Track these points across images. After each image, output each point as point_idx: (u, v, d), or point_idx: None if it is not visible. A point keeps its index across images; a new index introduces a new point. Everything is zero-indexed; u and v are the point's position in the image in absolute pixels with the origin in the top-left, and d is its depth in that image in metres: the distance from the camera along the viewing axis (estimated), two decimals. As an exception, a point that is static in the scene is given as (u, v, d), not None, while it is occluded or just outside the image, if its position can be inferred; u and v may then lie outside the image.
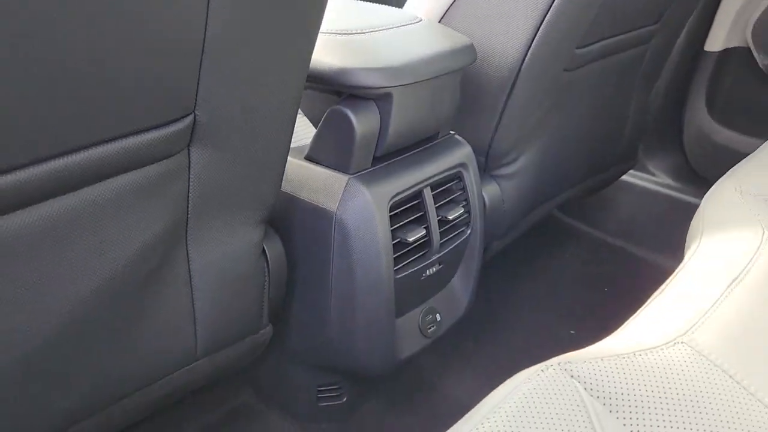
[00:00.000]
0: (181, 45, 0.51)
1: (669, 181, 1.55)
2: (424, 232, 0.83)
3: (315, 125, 0.84)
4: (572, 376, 0.50)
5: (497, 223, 1.03)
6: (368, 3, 0.93)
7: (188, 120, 0.57)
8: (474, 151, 0.91)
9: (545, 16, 0.87)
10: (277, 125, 0.65)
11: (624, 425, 0.47)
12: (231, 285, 0.70)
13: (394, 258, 0.80)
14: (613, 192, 1.56)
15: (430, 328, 0.90)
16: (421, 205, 0.84)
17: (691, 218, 0.80)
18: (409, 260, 0.84)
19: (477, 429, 0.45)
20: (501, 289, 1.29)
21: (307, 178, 0.80)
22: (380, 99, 0.75)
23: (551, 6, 0.86)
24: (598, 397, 0.49)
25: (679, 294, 0.61)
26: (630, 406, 0.48)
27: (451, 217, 0.87)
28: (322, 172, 0.79)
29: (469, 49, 0.84)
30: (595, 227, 1.49)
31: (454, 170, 0.88)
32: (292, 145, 0.70)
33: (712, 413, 0.48)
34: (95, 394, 0.63)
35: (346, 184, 0.77)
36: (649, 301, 0.62)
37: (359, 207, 0.76)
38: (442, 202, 0.87)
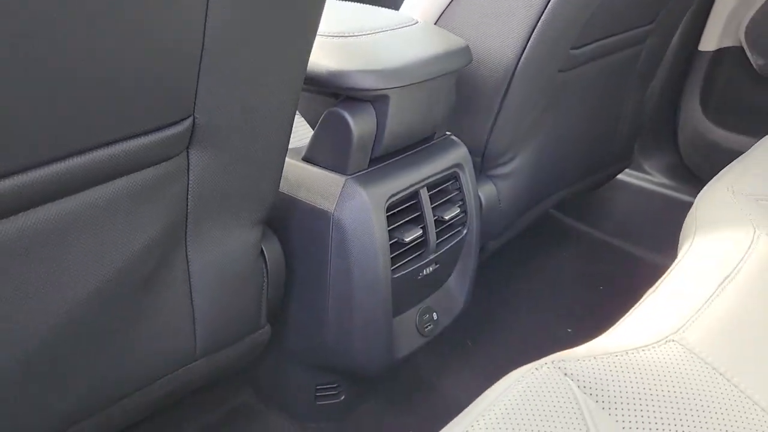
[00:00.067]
0: (180, 47, 0.52)
1: (664, 180, 1.56)
2: (420, 232, 0.84)
3: (312, 126, 0.85)
4: (566, 375, 0.50)
5: (493, 223, 1.04)
6: (365, 5, 0.94)
7: (187, 123, 0.58)
8: (470, 152, 0.92)
9: (540, 18, 0.88)
10: (275, 126, 0.65)
11: (616, 422, 0.48)
12: (230, 285, 0.71)
13: (391, 258, 0.81)
14: (608, 191, 1.57)
15: (427, 328, 0.91)
16: (417, 206, 0.85)
17: (686, 216, 0.81)
18: (406, 260, 0.85)
19: (472, 426, 0.45)
20: (498, 288, 1.29)
21: (304, 179, 0.80)
22: (377, 101, 0.76)
23: (546, 7, 0.87)
24: (591, 394, 0.49)
25: (671, 293, 0.62)
26: (622, 403, 0.49)
27: (447, 217, 0.87)
28: (320, 173, 0.80)
29: (465, 51, 0.84)
30: (591, 226, 1.50)
31: (450, 171, 0.88)
32: (289, 147, 0.70)
33: (703, 410, 0.49)
34: (95, 395, 0.63)
35: (344, 184, 0.77)
36: (641, 300, 0.62)
37: (356, 207, 0.77)
38: (438, 203, 0.88)
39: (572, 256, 1.42)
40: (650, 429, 0.48)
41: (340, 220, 0.77)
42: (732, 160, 0.90)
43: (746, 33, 1.38)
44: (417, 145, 0.87)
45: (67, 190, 0.52)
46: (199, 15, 0.51)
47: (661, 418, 0.48)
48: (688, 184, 1.50)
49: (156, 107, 0.54)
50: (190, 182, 0.62)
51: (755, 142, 0.97)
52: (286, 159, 0.73)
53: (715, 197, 0.77)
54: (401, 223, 0.83)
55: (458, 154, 0.90)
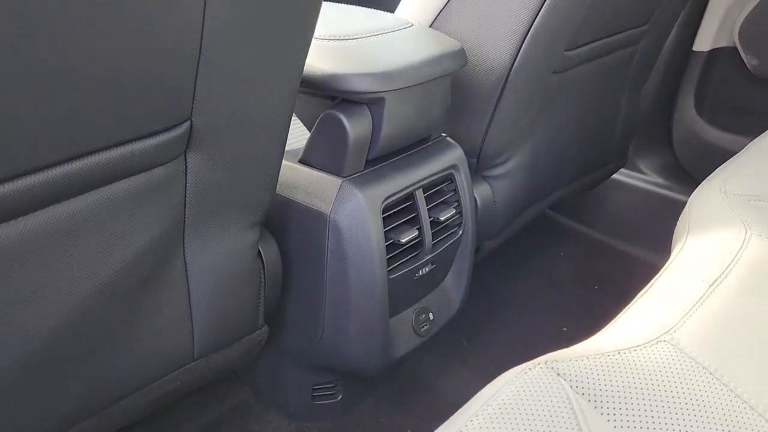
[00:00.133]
0: (177, 50, 0.52)
1: (659, 179, 1.56)
2: (416, 233, 0.85)
3: (309, 128, 0.86)
4: (558, 374, 0.51)
5: (489, 224, 1.04)
6: (360, 8, 0.94)
7: (185, 126, 0.58)
8: (465, 153, 0.92)
9: (534, 20, 0.88)
10: (272, 129, 0.66)
11: (608, 421, 0.49)
12: (227, 286, 0.71)
13: (387, 259, 0.81)
14: (604, 190, 1.58)
15: (423, 327, 0.92)
16: (413, 207, 0.85)
17: (680, 216, 0.82)
18: (402, 261, 0.85)
19: (466, 426, 0.46)
20: (494, 287, 1.30)
21: (301, 181, 0.81)
22: (372, 103, 0.76)
23: (540, 10, 0.88)
24: (583, 394, 0.50)
25: (662, 293, 0.62)
26: (614, 402, 0.50)
27: (443, 218, 0.88)
28: (316, 175, 0.80)
29: (460, 54, 0.85)
30: (586, 225, 1.51)
31: (446, 172, 0.89)
32: (286, 148, 0.71)
33: (694, 409, 0.50)
34: (94, 395, 0.64)
35: (340, 186, 0.78)
36: (634, 300, 0.63)
37: (353, 209, 0.77)
38: (434, 204, 0.88)
39: (568, 255, 1.42)
40: (642, 428, 0.48)
41: (336, 222, 0.77)
42: (726, 160, 0.91)
43: (740, 33, 1.39)
44: (413, 146, 0.88)
45: (67, 193, 0.53)
46: (196, 17, 0.51)
47: (653, 417, 0.49)
48: (683, 184, 1.51)
49: (154, 111, 0.55)
50: (187, 185, 0.62)
51: (749, 142, 0.98)
52: (283, 161, 0.74)
53: (708, 198, 0.77)
54: (397, 225, 0.83)
55: (454, 155, 0.90)
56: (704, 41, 1.45)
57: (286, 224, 0.82)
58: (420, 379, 1.08)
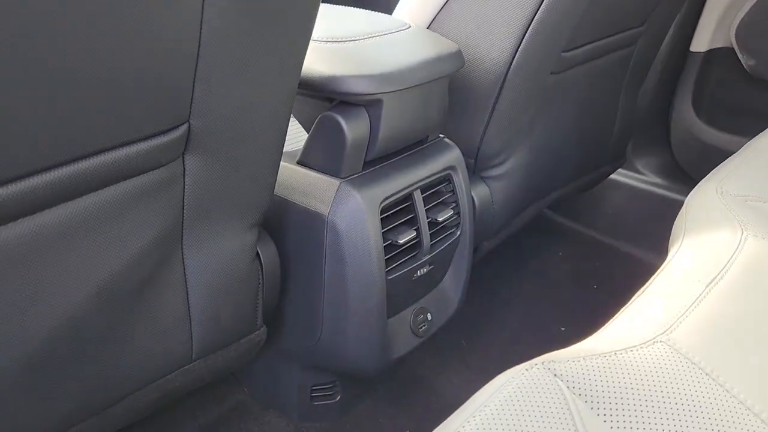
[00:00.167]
0: (175, 53, 0.52)
1: (657, 179, 1.57)
2: (414, 234, 0.85)
3: (307, 130, 0.86)
4: (555, 375, 0.51)
5: (487, 224, 1.05)
6: (358, 9, 0.94)
7: (183, 128, 0.58)
8: (463, 153, 0.93)
9: (531, 22, 0.89)
10: (270, 131, 0.66)
11: (605, 422, 0.49)
12: (226, 287, 0.71)
13: (386, 259, 0.81)
14: (602, 191, 1.58)
15: (421, 328, 0.92)
16: (411, 208, 0.85)
17: (677, 217, 0.82)
18: (400, 261, 0.85)
19: (463, 427, 0.46)
20: (492, 288, 1.30)
21: (299, 182, 0.81)
22: (370, 105, 0.77)
23: (537, 11, 0.88)
24: (580, 395, 0.50)
25: (659, 294, 0.63)
26: (611, 403, 0.50)
27: (440, 219, 0.88)
28: (314, 176, 0.80)
29: (457, 55, 0.85)
30: (584, 225, 1.51)
31: (444, 173, 0.89)
32: (284, 150, 0.71)
33: (690, 410, 0.50)
34: (94, 395, 0.64)
35: (338, 188, 0.78)
36: (631, 300, 0.63)
37: (351, 210, 0.78)
38: (431, 205, 0.89)
39: (566, 255, 1.42)
40: (638, 428, 0.49)
41: (334, 223, 0.78)
42: (724, 160, 0.91)
43: (737, 34, 1.39)
44: (410, 147, 0.88)
45: (66, 196, 0.53)
46: (195, 18, 0.52)
47: (649, 418, 0.49)
48: (681, 184, 1.52)
49: (153, 113, 0.55)
50: (186, 187, 0.62)
51: (746, 142, 0.98)
52: (281, 162, 0.74)
53: (704, 198, 0.78)
54: (395, 225, 0.83)
55: (451, 156, 0.90)
56: (701, 42, 1.45)
57: (284, 225, 0.82)
58: (419, 380, 1.08)
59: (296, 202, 0.80)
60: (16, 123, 0.46)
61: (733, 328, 0.57)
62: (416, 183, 0.85)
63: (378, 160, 0.83)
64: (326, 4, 0.93)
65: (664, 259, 0.72)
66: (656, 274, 0.67)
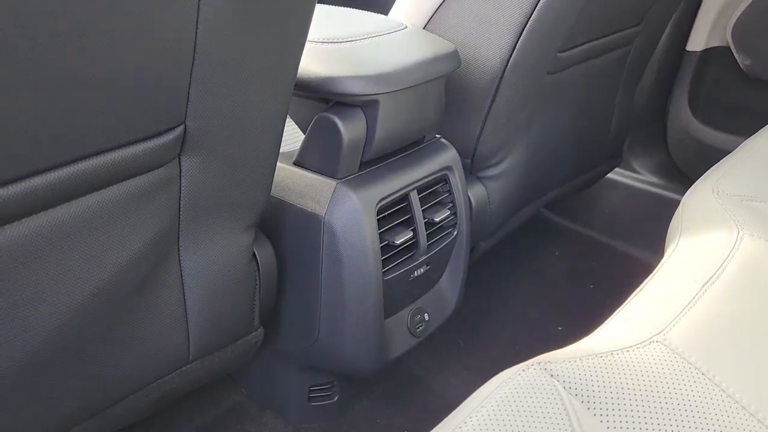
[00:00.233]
0: (175, 50, 0.52)
1: (653, 178, 1.57)
2: (411, 234, 0.85)
3: (303, 131, 0.86)
4: (552, 376, 0.51)
5: (484, 224, 1.05)
6: (354, 10, 0.94)
7: (179, 130, 0.58)
8: (460, 153, 0.93)
9: (527, 21, 0.89)
10: (266, 132, 0.66)
11: (601, 422, 0.49)
12: (222, 288, 0.71)
13: (382, 260, 0.82)
14: (598, 190, 1.58)
15: (418, 328, 0.92)
16: (408, 208, 0.85)
17: (673, 217, 0.82)
18: (397, 262, 0.85)
19: (459, 428, 0.46)
20: (490, 287, 1.30)
21: (295, 183, 0.81)
22: (367, 106, 0.77)
23: (533, 11, 0.88)
24: (576, 395, 0.50)
25: (655, 294, 0.63)
26: (607, 403, 0.50)
27: (437, 219, 0.88)
28: (311, 177, 0.80)
29: (453, 55, 0.85)
30: (581, 225, 1.51)
31: (440, 173, 0.89)
32: (280, 151, 0.71)
33: (686, 410, 0.50)
34: (95, 395, 0.64)
35: (334, 189, 0.78)
36: (627, 300, 0.64)
37: (347, 211, 0.78)
38: (428, 205, 0.89)
39: (563, 254, 1.43)
40: (634, 429, 0.49)
41: (331, 224, 0.78)
42: (720, 159, 0.91)
43: (733, 33, 1.39)
44: (407, 148, 0.88)
45: (64, 197, 0.53)
46: (190, 20, 0.52)
47: (646, 418, 0.49)
48: (677, 183, 1.52)
49: (149, 115, 0.55)
50: (182, 188, 0.63)
51: (742, 141, 0.98)
52: (278, 163, 0.74)
53: (701, 198, 0.78)
54: (392, 226, 0.84)
55: (448, 156, 0.90)
56: (697, 41, 1.45)
57: (281, 226, 0.82)
58: (416, 380, 1.08)
59: (293, 203, 0.80)
60: (16, 123, 0.46)
61: (730, 328, 0.57)
62: (413, 183, 0.85)
63: (374, 161, 0.83)
64: (322, 4, 0.93)
65: (660, 259, 0.72)
66: (652, 274, 0.67)
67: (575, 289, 1.32)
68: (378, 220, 0.80)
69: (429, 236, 0.88)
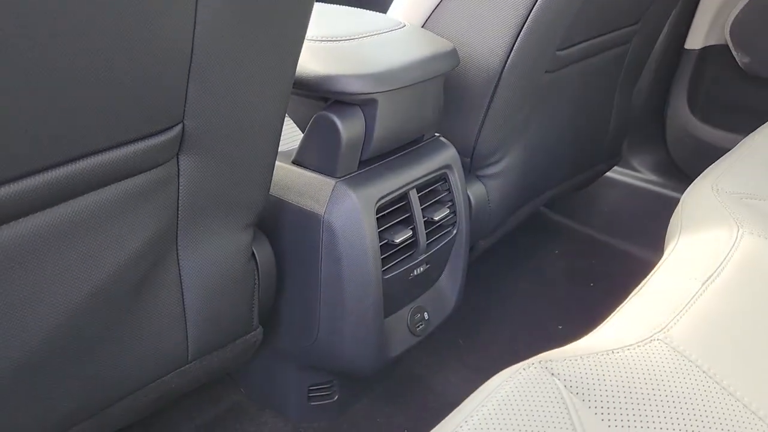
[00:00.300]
0: (171, 53, 0.52)
1: (652, 177, 1.57)
2: (410, 233, 0.85)
3: (301, 129, 0.86)
4: (552, 374, 0.51)
5: (483, 223, 1.05)
6: (353, 9, 0.94)
7: (177, 129, 0.58)
8: (459, 152, 0.93)
9: (526, 20, 0.89)
10: (264, 131, 0.66)
11: (602, 420, 0.49)
12: (221, 288, 0.71)
13: (382, 259, 0.81)
14: (597, 188, 1.58)
15: (418, 327, 0.92)
16: (407, 207, 0.85)
17: (672, 215, 0.82)
18: (397, 261, 0.85)
19: (460, 427, 0.46)
20: (489, 286, 1.30)
21: (294, 182, 0.81)
22: (365, 104, 0.77)
23: (531, 10, 0.88)
24: (577, 393, 0.50)
25: (655, 292, 0.63)
26: (608, 402, 0.50)
27: (437, 218, 0.88)
28: (310, 176, 0.80)
29: (452, 54, 0.85)
30: (580, 223, 1.51)
31: (440, 172, 0.89)
32: (279, 150, 0.71)
33: (687, 408, 0.50)
34: (93, 395, 0.64)
35: (333, 187, 0.78)
36: (627, 299, 0.63)
37: (346, 210, 0.78)
38: (428, 204, 0.89)
39: (562, 253, 1.43)
40: (636, 427, 0.48)
41: (330, 223, 0.78)
42: (719, 157, 0.91)
43: (731, 31, 1.39)
44: (406, 147, 0.88)
45: (62, 196, 0.53)
46: (188, 20, 0.52)
47: (647, 416, 0.49)
48: (676, 181, 1.52)
49: (147, 114, 0.55)
50: (180, 187, 0.62)
51: (741, 139, 0.98)
52: (276, 162, 0.74)
53: (700, 196, 0.78)
54: (391, 225, 0.83)
55: (447, 155, 0.90)
56: (696, 39, 1.45)
57: (279, 225, 0.82)
58: (416, 379, 1.08)
59: (292, 202, 0.80)
60: (16, 123, 0.46)
61: (730, 326, 0.57)
62: (412, 182, 0.85)
63: (373, 160, 0.83)
64: (320, 3, 0.93)
65: (660, 257, 0.72)
66: (652, 272, 0.67)
67: (575, 288, 1.32)
68: (377, 218, 0.80)
69: (428, 235, 0.88)
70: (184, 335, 0.70)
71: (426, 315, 0.93)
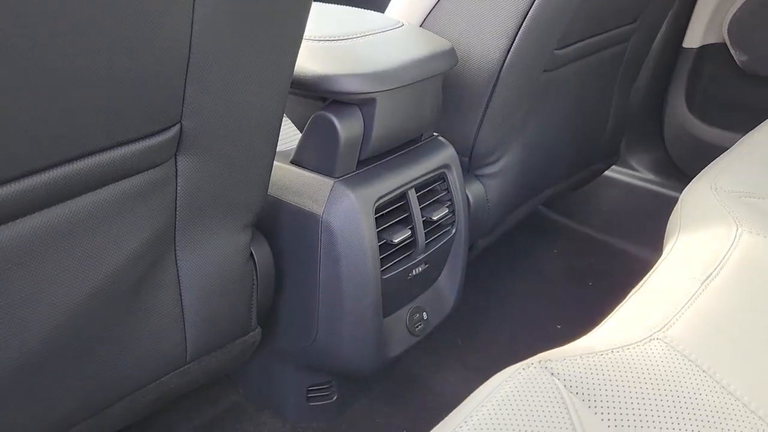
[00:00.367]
0: (169, 53, 0.52)
1: (651, 176, 1.57)
2: (409, 233, 0.85)
3: (300, 129, 0.86)
4: (552, 374, 0.51)
5: (482, 222, 1.05)
6: (350, 8, 0.94)
7: (175, 129, 0.58)
8: (457, 151, 0.93)
9: (524, 19, 0.88)
10: (262, 131, 0.66)
11: (602, 420, 0.49)
12: (219, 288, 0.71)
13: (381, 259, 0.81)
14: (596, 187, 1.58)
15: (417, 327, 0.92)
16: (406, 207, 0.85)
17: (671, 214, 0.82)
18: (396, 261, 0.85)
19: (460, 427, 0.46)
20: (488, 286, 1.30)
21: (293, 182, 0.81)
22: (364, 104, 0.76)
23: (530, 9, 0.88)
24: (577, 393, 0.50)
25: (654, 291, 0.63)
26: (608, 401, 0.50)
27: (435, 218, 0.88)
28: (308, 176, 0.80)
29: (450, 53, 0.85)
30: (579, 222, 1.51)
31: (438, 171, 0.89)
32: (277, 150, 0.71)
33: (687, 407, 0.50)
34: (93, 396, 0.64)
35: (332, 187, 0.78)
36: (626, 298, 0.63)
37: (345, 210, 0.77)
38: (426, 203, 0.88)
39: (561, 252, 1.43)
40: (636, 426, 0.48)
41: (328, 223, 0.77)
42: (717, 155, 0.91)
43: (729, 30, 1.40)
44: (404, 146, 0.88)
45: (60, 197, 0.53)
46: (185, 19, 0.52)
47: (647, 415, 0.49)
48: (675, 180, 1.52)
49: (146, 114, 0.55)
50: (178, 187, 0.62)
51: (740, 138, 0.98)
52: (274, 162, 0.74)
53: (699, 195, 0.78)
54: (390, 225, 0.83)
55: (446, 154, 0.90)
56: (694, 38, 1.45)
57: (278, 225, 0.82)
58: (415, 379, 1.08)
59: (290, 202, 0.80)
60: (16, 123, 0.46)
61: (729, 325, 0.57)
62: (411, 182, 0.85)
63: (372, 159, 0.82)
64: (318, 2, 0.93)
65: (659, 256, 0.72)
66: (651, 271, 0.67)
67: (574, 287, 1.32)
68: (376, 218, 0.80)
69: (427, 235, 0.88)
70: (183, 336, 0.70)
71: (425, 315, 0.93)
